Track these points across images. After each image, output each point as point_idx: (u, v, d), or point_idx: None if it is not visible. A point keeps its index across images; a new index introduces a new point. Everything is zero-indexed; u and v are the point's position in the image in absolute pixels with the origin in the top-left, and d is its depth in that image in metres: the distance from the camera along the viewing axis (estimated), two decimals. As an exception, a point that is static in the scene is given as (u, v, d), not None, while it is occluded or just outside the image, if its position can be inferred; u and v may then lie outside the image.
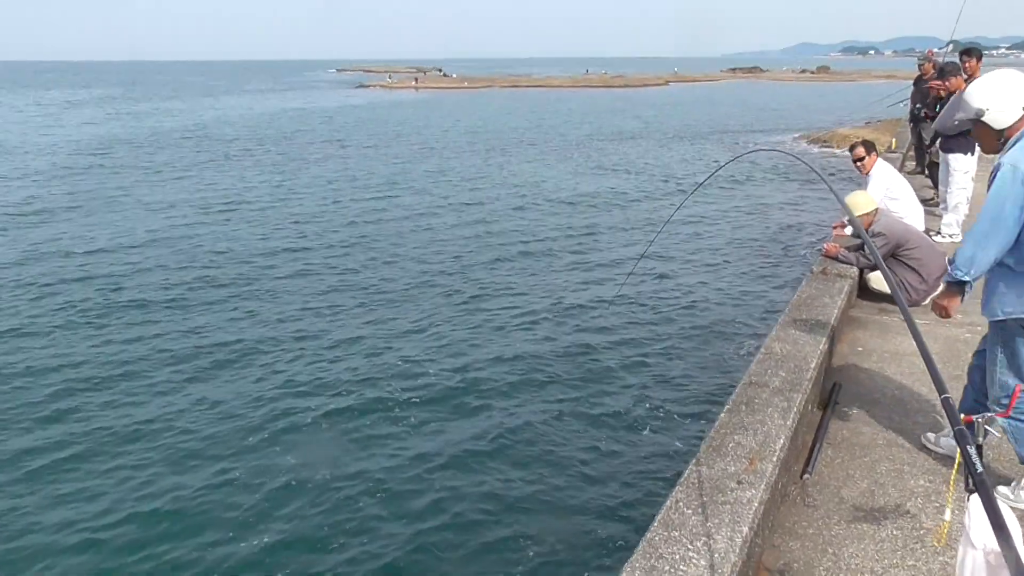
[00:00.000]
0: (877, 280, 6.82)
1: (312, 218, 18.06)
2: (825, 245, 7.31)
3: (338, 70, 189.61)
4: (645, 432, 7.65)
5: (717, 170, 6.50)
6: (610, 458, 7.20)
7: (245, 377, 9.03)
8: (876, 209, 6.92)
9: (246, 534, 6.16)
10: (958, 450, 1.91)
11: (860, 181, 8.33)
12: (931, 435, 4.46)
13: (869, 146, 8.08)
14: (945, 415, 2.01)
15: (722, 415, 4.11)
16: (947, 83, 9.40)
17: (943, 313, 3.83)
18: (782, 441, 3.78)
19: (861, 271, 6.96)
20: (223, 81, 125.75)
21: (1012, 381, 3.67)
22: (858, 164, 7.97)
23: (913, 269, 6.65)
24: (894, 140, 19.32)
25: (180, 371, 9.21)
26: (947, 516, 2.17)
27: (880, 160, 7.94)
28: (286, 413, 8.13)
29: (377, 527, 6.24)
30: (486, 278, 13.03)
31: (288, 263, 14.01)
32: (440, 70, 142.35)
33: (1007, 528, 1.62)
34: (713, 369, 9.11)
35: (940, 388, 1.95)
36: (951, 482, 2.47)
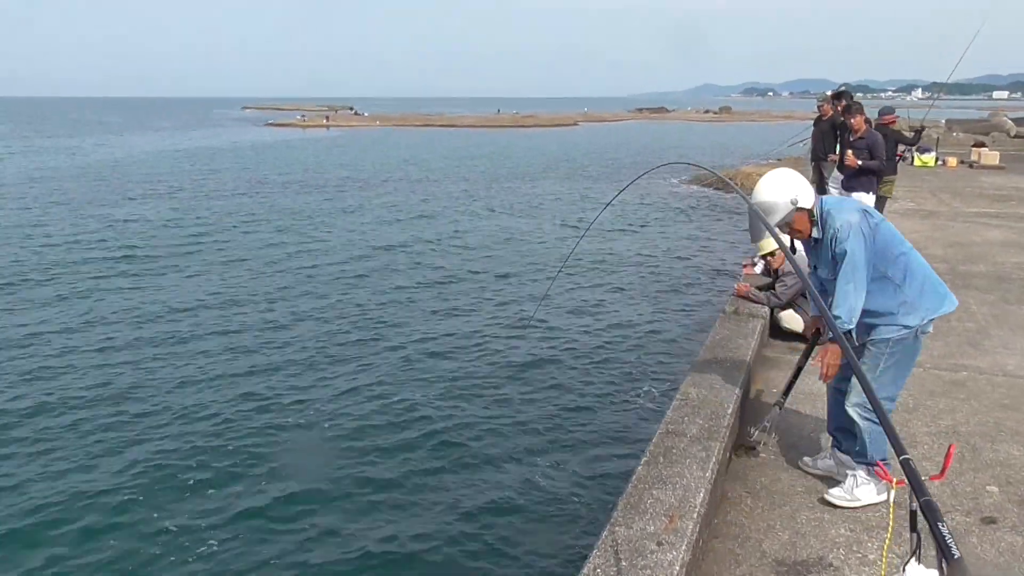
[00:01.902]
0: (788, 319, 6.82)
1: (224, 262, 17.42)
2: (736, 285, 7.31)
3: (245, 108, 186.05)
4: (558, 488, 7.29)
5: (630, 183, 6.37)
6: (519, 520, 6.80)
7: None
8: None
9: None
10: (890, 502, 1.94)
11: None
12: (807, 459, 4.55)
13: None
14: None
15: (639, 468, 3.94)
16: (851, 121, 9.69)
17: (831, 368, 4.03)
18: (702, 495, 3.63)
19: (772, 310, 6.96)
20: (124, 119, 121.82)
21: (892, 388, 4.08)
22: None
23: (822, 308, 6.68)
24: (796, 178, 19.87)
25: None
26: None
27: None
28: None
29: None
30: (383, 323, 12.62)
31: (203, 311, 13.40)
32: (352, 108, 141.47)
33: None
34: (628, 416, 8.93)
35: (898, 449, 1.76)
36: (885, 549, 2.33)
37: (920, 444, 4.89)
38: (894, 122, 12.37)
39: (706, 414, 4.55)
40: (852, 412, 4.06)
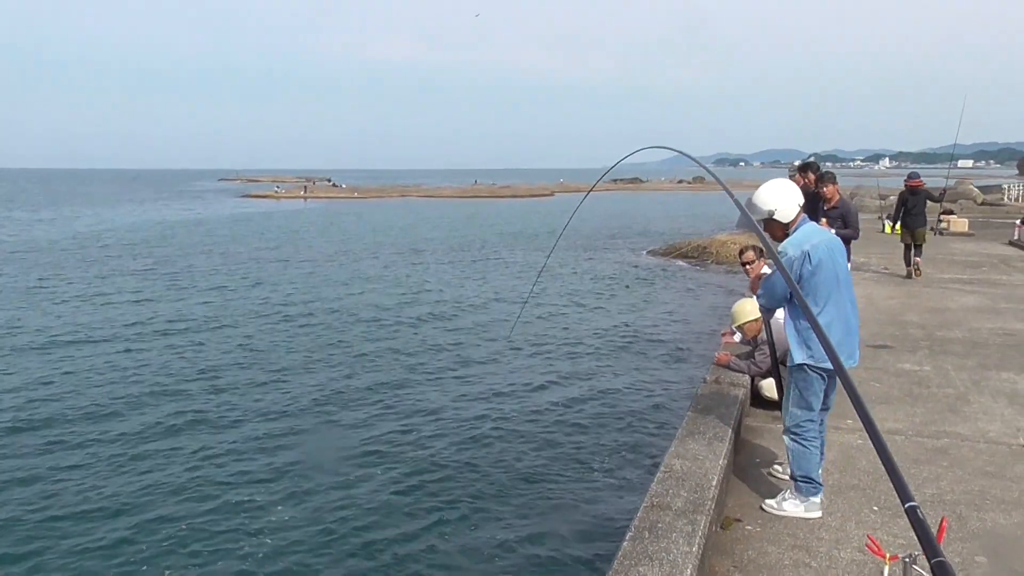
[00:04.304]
0: (769, 388, 6.79)
1: (205, 337, 17.22)
2: (716, 354, 7.30)
3: (221, 179, 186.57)
4: (541, 565, 7.14)
5: (605, 173, 6.39)
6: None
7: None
8: (759, 319, 6.97)
9: None
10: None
11: (743, 292, 8.46)
12: (771, 501, 4.88)
13: (758, 251, 8.23)
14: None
15: (625, 543, 3.86)
16: (825, 190, 9.95)
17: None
18: (689, 571, 3.55)
19: (752, 379, 6.93)
20: (99, 190, 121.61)
21: (800, 413, 4.73)
22: (747, 267, 8.08)
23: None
24: (771, 246, 20.10)
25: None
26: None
27: (766, 266, 8.06)
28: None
29: None
30: (360, 387, 12.54)
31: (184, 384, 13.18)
32: (329, 180, 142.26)
33: None
34: (611, 489, 8.79)
35: (904, 495, 1.58)
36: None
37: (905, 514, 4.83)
38: (921, 185, 15.46)
39: (691, 486, 4.49)
40: (784, 436, 4.82)
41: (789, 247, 4.64)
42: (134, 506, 8.37)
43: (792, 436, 4.74)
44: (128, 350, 15.40)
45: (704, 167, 4.81)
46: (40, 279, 25.21)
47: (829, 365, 4.56)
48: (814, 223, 4.85)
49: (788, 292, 4.64)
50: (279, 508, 8.29)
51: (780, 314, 7.54)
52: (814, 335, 4.49)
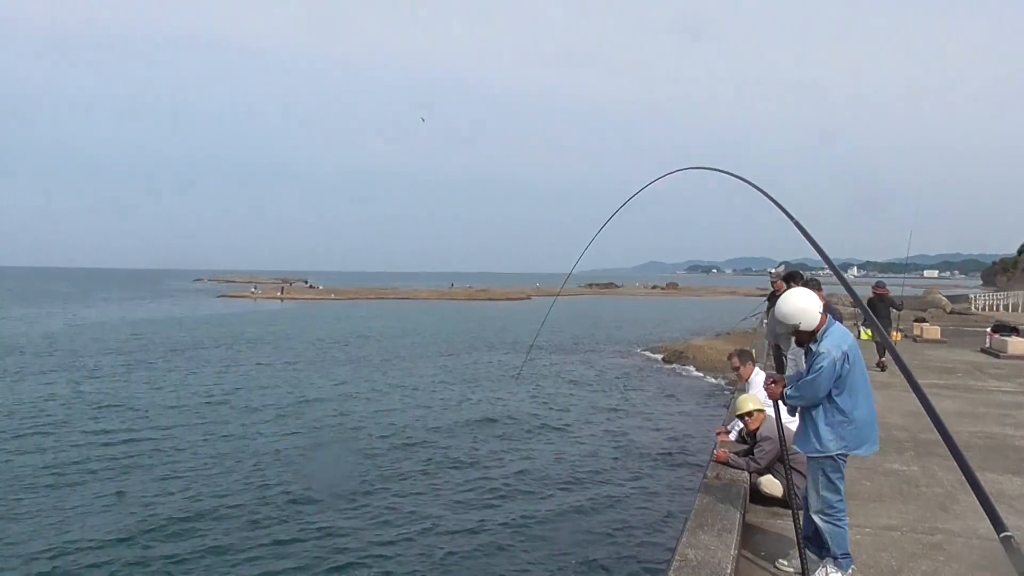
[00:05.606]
0: (768, 484, 7.00)
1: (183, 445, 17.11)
2: (715, 452, 7.52)
3: (197, 280, 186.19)
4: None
5: (638, 192, 6.68)
6: None
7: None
8: (764, 411, 7.25)
9: None
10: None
11: (720, 392, 8.75)
12: (783, 561, 5.49)
13: (745, 356, 8.57)
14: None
15: (651, 627, 4.01)
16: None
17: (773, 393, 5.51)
18: (717, 652, 3.71)
19: (750, 475, 7.14)
20: (74, 288, 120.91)
21: (832, 496, 5.17)
22: (737, 371, 8.42)
23: (802, 474, 6.91)
24: (753, 351, 20.55)
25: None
26: None
27: (757, 368, 8.41)
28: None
29: None
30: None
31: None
32: (306, 281, 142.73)
33: None
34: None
35: (998, 525, 1.70)
36: None
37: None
38: (887, 293, 17.16)
39: (707, 574, 4.67)
40: (815, 518, 5.22)
41: (832, 348, 5.08)
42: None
43: (825, 518, 5.17)
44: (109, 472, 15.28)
45: (754, 185, 5.46)
46: (14, 379, 24.95)
47: (857, 452, 5.19)
48: (839, 324, 5.36)
49: (828, 389, 5.07)
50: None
51: (774, 412, 7.88)
52: (846, 427, 5.10)
